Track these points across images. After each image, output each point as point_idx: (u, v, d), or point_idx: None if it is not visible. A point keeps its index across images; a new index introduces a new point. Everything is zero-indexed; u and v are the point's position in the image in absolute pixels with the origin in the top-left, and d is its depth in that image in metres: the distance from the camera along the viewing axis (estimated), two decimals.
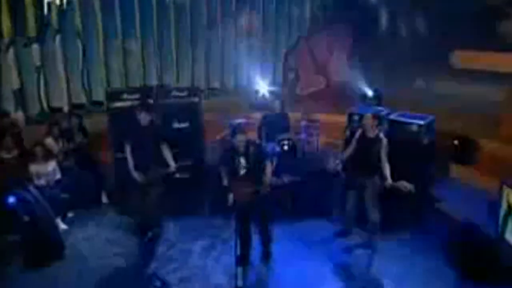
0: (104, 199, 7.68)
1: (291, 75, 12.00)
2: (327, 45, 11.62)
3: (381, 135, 6.01)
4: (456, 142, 8.29)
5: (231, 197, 5.55)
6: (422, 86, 10.55)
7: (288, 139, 7.77)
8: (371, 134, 6.02)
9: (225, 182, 5.66)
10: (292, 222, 6.85)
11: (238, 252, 5.52)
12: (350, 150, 6.23)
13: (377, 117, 6.07)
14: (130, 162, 6.10)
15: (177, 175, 7.61)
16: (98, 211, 7.33)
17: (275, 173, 6.77)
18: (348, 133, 7.60)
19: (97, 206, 7.47)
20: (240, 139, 5.56)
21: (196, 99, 7.74)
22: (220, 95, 11.61)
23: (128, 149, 6.12)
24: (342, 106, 10.41)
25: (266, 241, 5.99)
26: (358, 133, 6.21)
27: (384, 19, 11.41)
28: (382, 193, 5.95)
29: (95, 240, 6.52)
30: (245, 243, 5.78)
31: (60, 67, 9.26)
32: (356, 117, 7.44)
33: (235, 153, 5.64)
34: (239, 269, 5.44)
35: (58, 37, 9.11)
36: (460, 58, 10.21)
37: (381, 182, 5.79)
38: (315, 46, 11.79)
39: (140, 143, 6.03)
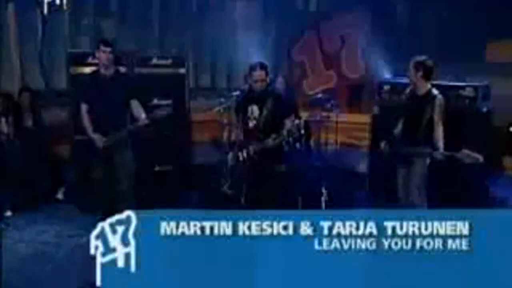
0: (60, 195, 6.95)
1: (297, 72, 11.08)
2: (339, 36, 10.78)
3: (434, 91, 5.06)
4: None
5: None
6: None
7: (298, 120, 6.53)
8: (421, 91, 5.09)
9: (233, 136, 5.13)
10: None
11: None
12: (401, 120, 5.31)
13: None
14: (87, 122, 5.39)
15: (157, 168, 6.98)
16: (49, 210, 6.63)
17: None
18: (377, 109, 6.63)
19: (50, 204, 6.77)
20: (256, 78, 4.79)
21: (182, 70, 7.00)
22: (211, 95, 10.71)
23: (84, 107, 5.42)
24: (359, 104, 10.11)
25: None
26: (407, 91, 5.28)
27: (407, 3, 10.63)
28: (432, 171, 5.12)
29: (36, 243, 5.75)
30: None
31: (13, 41, 8.26)
32: (387, 87, 6.50)
33: (248, 97, 4.98)
34: None
35: (11, 4, 8.14)
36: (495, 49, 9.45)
37: (434, 156, 4.91)
38: (325, 37, 10.94)
39: (102, 98, 5.32)
